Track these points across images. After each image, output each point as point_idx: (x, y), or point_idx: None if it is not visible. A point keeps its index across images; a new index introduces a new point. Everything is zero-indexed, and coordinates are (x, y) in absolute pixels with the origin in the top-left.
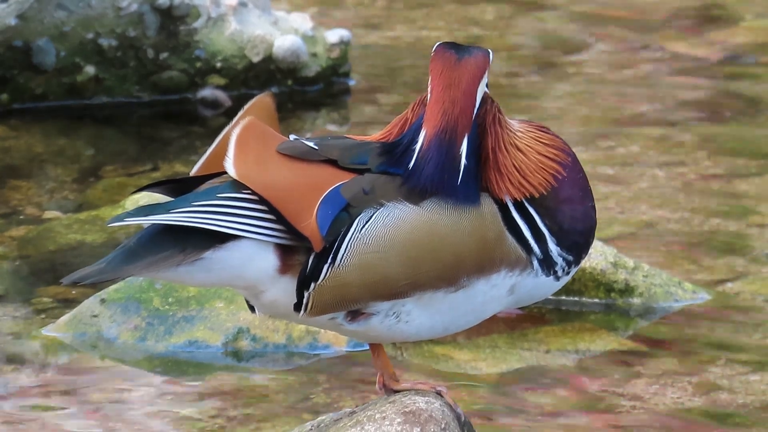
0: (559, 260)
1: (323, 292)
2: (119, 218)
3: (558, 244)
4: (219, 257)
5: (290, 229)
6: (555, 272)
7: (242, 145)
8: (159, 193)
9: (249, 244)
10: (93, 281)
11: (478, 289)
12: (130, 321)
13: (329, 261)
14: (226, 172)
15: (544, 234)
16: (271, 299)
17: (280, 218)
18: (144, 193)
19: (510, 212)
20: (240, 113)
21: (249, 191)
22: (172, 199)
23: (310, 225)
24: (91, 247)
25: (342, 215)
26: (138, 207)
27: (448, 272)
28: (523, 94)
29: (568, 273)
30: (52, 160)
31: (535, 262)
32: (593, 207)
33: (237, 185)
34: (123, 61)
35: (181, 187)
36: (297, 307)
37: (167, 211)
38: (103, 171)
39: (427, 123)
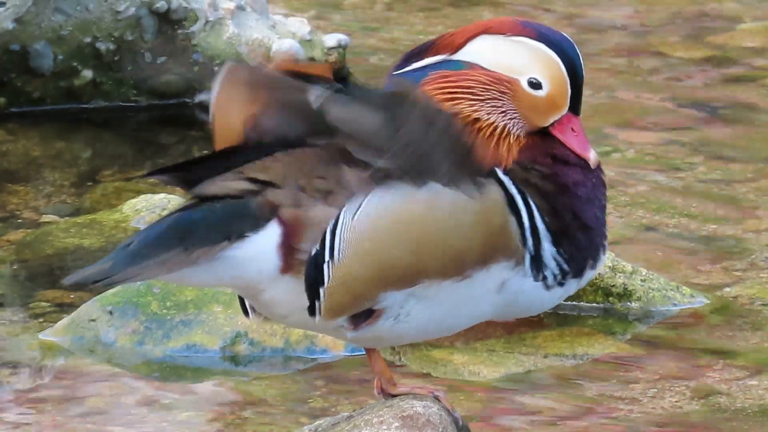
0: (552, 264)
1: (333, 293)
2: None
3: (554, 244)
4: (225, 257)
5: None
6: (545, 277)
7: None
8: (165, 181)
9: (253, 244)
10: (101, 283)
11: (476, 278)
12: (128, 325)
13: (327, 258)
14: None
15: (539, 229)
16: (270, 298)
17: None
18: (141, 198)
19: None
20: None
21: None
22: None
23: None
24: (89, 251)
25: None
26: None
27: (453, 257)
28: None
29: (562, 284)
30: (49, 164)
31: (527, 259)
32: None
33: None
34: (120, 64)
35: (186, 175)
36: (311, 311)
37: None
38: (101, 175)
39: None
